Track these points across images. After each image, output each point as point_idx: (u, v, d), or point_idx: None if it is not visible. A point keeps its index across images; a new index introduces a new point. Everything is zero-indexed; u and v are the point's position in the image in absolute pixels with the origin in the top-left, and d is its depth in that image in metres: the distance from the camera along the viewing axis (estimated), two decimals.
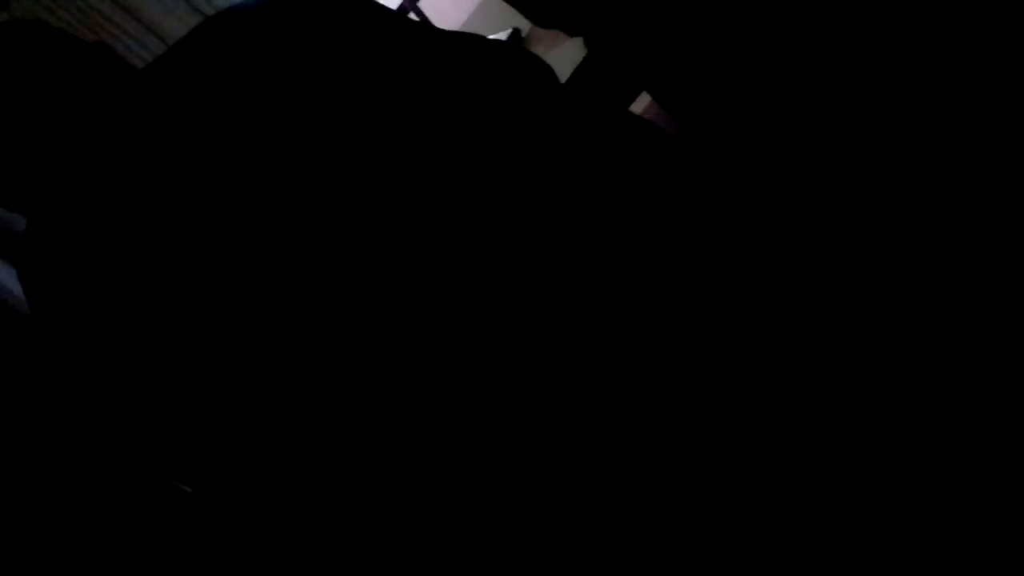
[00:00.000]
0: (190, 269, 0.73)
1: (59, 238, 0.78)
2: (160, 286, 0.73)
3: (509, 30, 1.93)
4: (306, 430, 0.72)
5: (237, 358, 0.72)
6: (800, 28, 0.80)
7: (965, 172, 0.75)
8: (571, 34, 1.02)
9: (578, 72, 1.19)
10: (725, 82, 0.86)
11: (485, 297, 0.71)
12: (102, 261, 0.75)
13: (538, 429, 0.70)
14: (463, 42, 0.84)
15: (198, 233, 0.73)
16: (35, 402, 0.77)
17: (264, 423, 0.72)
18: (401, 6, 2.45)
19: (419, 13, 2.38)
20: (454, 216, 0.73)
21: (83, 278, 0.76)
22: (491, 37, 0.89)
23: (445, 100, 0.77)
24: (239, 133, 0.75)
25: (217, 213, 0.73)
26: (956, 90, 0.75)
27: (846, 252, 0.78)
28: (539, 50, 0.98)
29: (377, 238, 0.72)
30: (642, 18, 0.89)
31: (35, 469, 0.77)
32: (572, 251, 0.73)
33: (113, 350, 0.75)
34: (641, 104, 1.16)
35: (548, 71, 0.88)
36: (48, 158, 0.82)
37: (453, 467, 0.71)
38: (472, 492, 0.71)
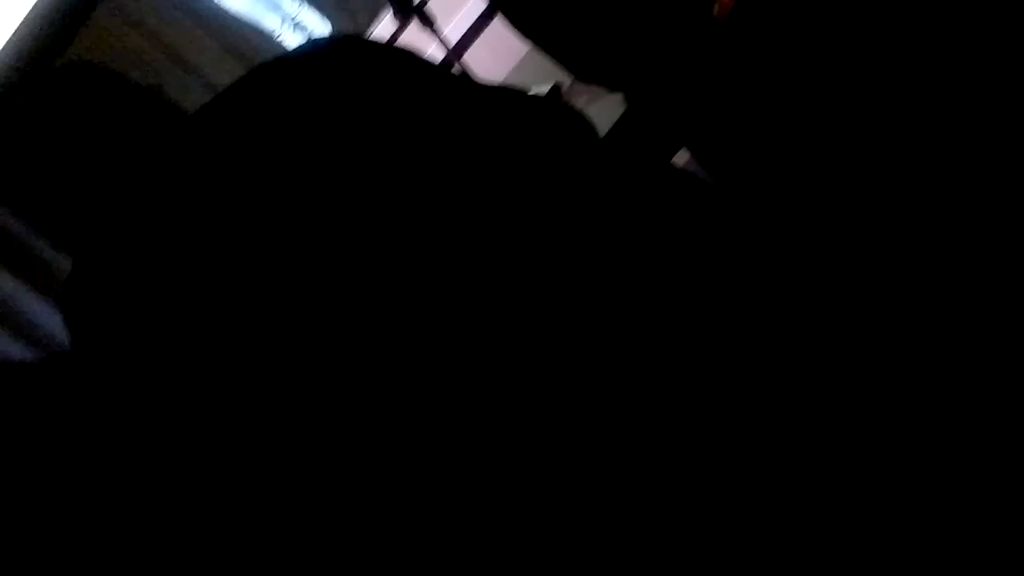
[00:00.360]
0: (232, 322, 0.74)
1: (107, 283, 0.80)
2: (201, 340, 0.74)
3: (550, 84, 1.95)
4: (309, 437, 0.72)
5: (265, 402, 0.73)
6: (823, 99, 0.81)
7: (960, 174, 0.75)
8: (612, 90, 1.03)
9: (617, 127, 1.21)
10: (756, 137, 0.86)
11: (492, 309, 0.72)
12: (147, 308, 0.76)
13: (537, 430, 0.70)
14: (503, 97, 0.86)
15: (241, 285, 0.74)
16: (66, 440, 0.78)
17: (267, 431, 0.73)
18: (444, 60, 2.50)
19: (462, 67, 2.42)
20: (482, 263, 0.73)
21: (128, 323, 0.77)
22: (532, 91, 0.90)
23: (484, 155, 0.78)
24: (282, 186, 0.76)
25: (258, 266, 0.74)
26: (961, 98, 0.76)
27: (849, 258, 0.78)
28: (580, 104, 1.00)
29: (409, 295, 0.73)
30: (680, 77, 0.90)
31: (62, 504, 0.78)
32: (597, 282, 0.74)
33: (152, 395, 0.76)
34: (681, 160, 1.16)
35: (588, 126, 0.89)
36: (103, 198, 0.84)
37: (452, 468, 0.71)
38: (471, 492, 0.70)
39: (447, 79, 0.84)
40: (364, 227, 0.74)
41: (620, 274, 0.75)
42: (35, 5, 2.32)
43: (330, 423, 0.72)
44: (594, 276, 0.74)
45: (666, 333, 0.73)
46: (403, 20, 2.32)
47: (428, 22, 2.32)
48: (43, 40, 2.31)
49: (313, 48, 0.90)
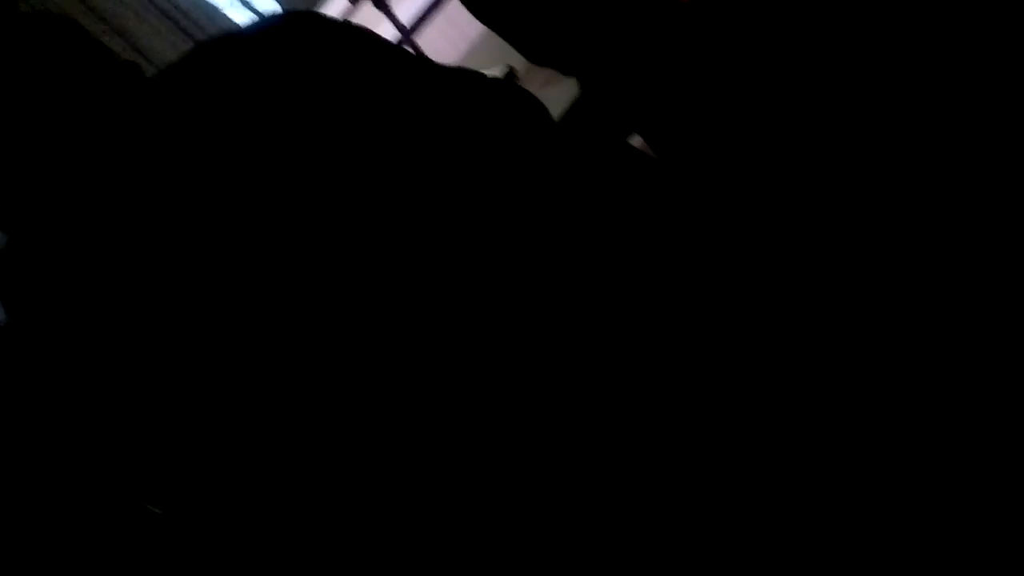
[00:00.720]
0: (174, 286, 0.73)
1: (41, 258, 0.78)
2: (145, 301, 0.73)
3: (504, 68, 1.95)
4: (304, 433, 0.71)
5: (231, 366, 0.72)
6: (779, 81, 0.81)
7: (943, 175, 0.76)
8: (566, 74, 1.03)
9: (571, 111, 1.20)
10: (714, 120, 0.87)
11: (482, 304, 0.71)
12: (84, 277, 0.75)
13: (536, 430, 0.70)
14: (459, 77, 0.85)
15: (182, 251, 0.73)
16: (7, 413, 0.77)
17: (260, 427, 0.72)
18: (397, 41, 2.47)
19: (414, 47, 2.40)
20: (446, 240, 0.73)
21: (67, 293, 0.75)
22: (486, 73, 0.90)
23: (440, 132, 0.77)
24: (227, 158, 0.75)
25: (202, 230, 0.73)
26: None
27: (841, 254, 0.78)
28: (533, 88, 0.99)
29: (365, 266, 0.72)
30: (636, 60, 0.90)
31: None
32: (563, 264, 0.73)
33: (98, 363, 0.74)
34: (636, 143, 1.16)
35: (542, 109, 0.88)
36: (41, 165, 0.81)
37: (451, 468, 0.70)
38: (471, 493, 0.70)
39: (403, 57, 0.83)
40: (317, 206, 0.73)
41: (576, 257, 0.75)
42: None
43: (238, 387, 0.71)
44: (549, 258, 0.74)
45: (629, 317, 0.73)
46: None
47: (381, 3, 2.30)
48: None
49: (266, 24, 0.88)
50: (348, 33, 0.83)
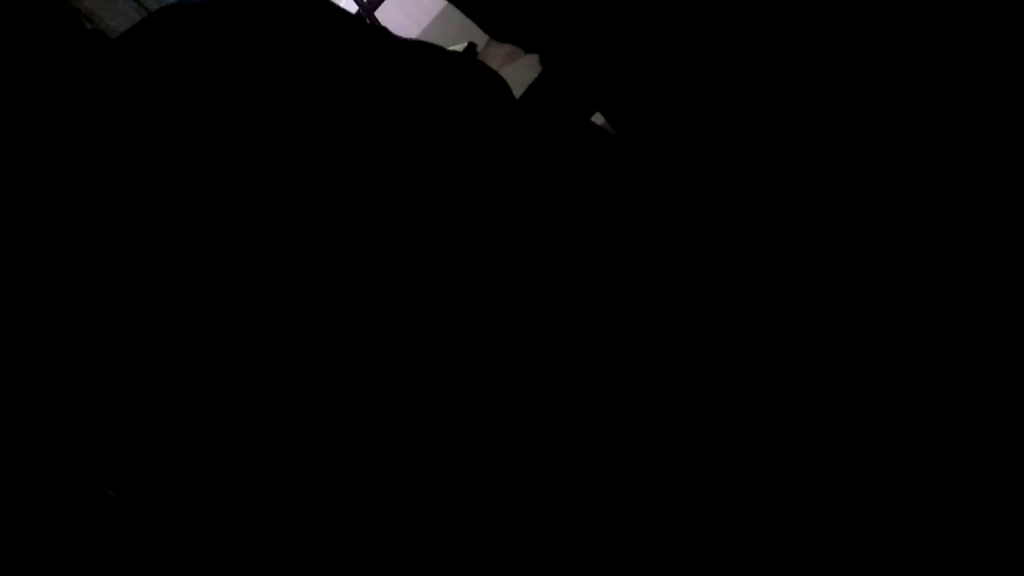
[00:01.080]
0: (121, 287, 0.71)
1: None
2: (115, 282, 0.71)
3: (464, 43, 1.93)
4: (301, 431, 0.71)
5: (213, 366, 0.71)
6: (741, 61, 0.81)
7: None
8: (527, 50, 1.02)
9: (533, 88, 1.20)
10: (676, 99, 0.87)
11: (438, 287, 0.71)
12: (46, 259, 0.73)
13: (535, 429, 0.70)
14: (418, 50, 0.84)
15: (126, 242, 0.71)
16: None
17: (257, 424, 0.71)
18: (357, 13, 2.44)
19: (375, 22, 2.36)
20: (409, 218, 0.72)
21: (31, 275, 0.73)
22: (448, 47, 0.89)
23: (401, 104, 0.76)
24: (177, 133, 0.73)
25: (146, 222, 0.71)
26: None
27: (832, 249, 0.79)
28: (494, 64, 0.99)
29: (322, 241, 0.71)
30: (596, 35, 0.90)
31: None
32: (530, 251, 0.73)
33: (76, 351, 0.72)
34: (598, 122, 1.16)
35: (503, 85, 0.88)
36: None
37: (450, 468, 0.70)
38: (470, 493, 0.70)
39: (361, 29, 0.82)
40: (273, 180, 0.72)
41: (536, 234, 0.74)
42: None
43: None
44: (509, 234, 0.74)
45: (593, 298, 0.73)
46: None
47: None
48: None
49: None
50: (305, 2, 0.81)
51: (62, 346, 0.72)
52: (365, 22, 0.85)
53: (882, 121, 0.79)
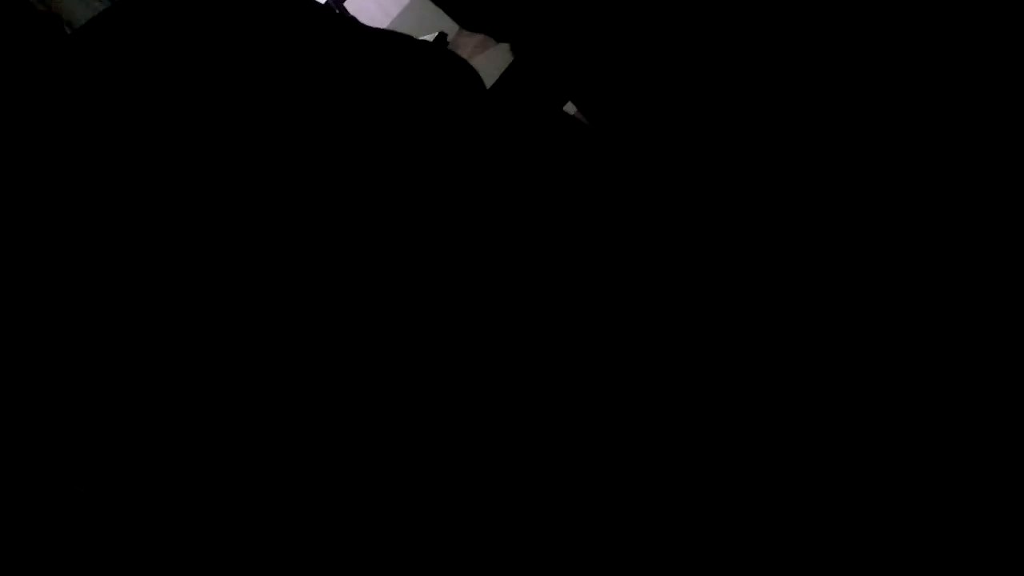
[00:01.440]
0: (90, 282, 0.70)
1: None
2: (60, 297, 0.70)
3: (435, 33, 1.92)
4: (299, 431, 0.70)
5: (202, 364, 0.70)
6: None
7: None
8: (498, 39, 1.01)
9: (504, 78, 1.19)
10: (649, 88, 0.86)
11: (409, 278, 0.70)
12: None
13: (534, 429, 0.70)
14: (388, 40, 0.83)
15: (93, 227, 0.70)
16: None
17: (255, 426, 0.70)
18: (325, 4, 2.42)
19: (344, 12, 2.35)
20: (372, 211, 0.72)
21: None
22: (418, 37, 0.88)
23: (370, 95, 0.76)
24: (140, 125, 0.72)
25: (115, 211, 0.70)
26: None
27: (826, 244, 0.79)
28: (464, 54, 0.98)
29: (288, 245, 0.71)
30: (567, 24, 0.89)
31: None
32: (496, 235, 0.73)
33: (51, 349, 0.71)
34: (570, 111, 1.16)
35: (474, 75, 0.87)
36: None
37: (449, 468, 0.70)
38: (469, 493, 0.70)
39: (330, 18, 0.81)
40: (242, 172, 0.71)
41: (509, 226, 0.74)
42: None
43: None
44: (481, 225, 0.73)
45: (564, 289, 0.73)
46: None
47: None
48: None
49: None
50: None
51: (35, 341, 0.71)
52: (333, 12, 0.84)
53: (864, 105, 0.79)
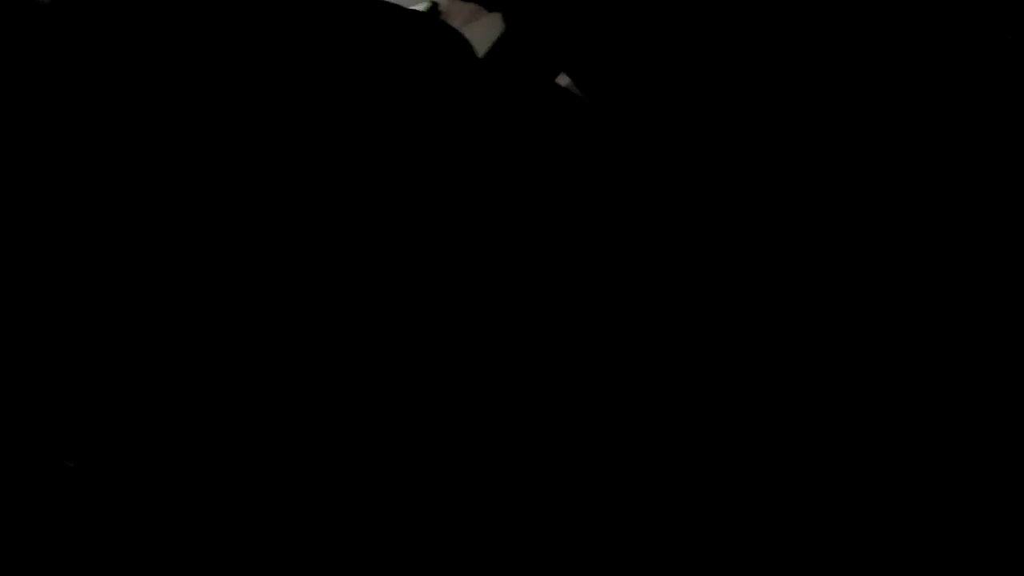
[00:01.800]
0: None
1: None
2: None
3: (428, 3, 1.89)
4: (299, 430, 0.70)
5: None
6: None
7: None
8: (489, 9, 1.00)
9: (496, 48, 1.18)
10: (640, 66, 0.86)
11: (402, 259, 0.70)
12: None
13: (533, 428, 0.69)
14: (380, 10, 0.82)
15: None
16: None
17: (256, 425, 0.70)
18: None
19: None
20: (372, 193, 0.71)
21: None
22: (410, 7, 0.87)
23: (363, 68, 0.75)
24: (129, 104, 0.71)
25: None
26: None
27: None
28: (456, 24, 0.97)
29: (291, 215, 0.70)
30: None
31: None
32: (490, 213, 0.72)
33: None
34: (563, 82, 1.15)
35: (466, 45, 0.86)
36: None
37: (449, 468, 0.70)
38: (469, 493, 0.70)
39: None
40: (227, 145, 0.71)
41: (502, 204, 0.74)
42: None
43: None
44: (475, 201, 0.73)
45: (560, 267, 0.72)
46: None
47: None
48: None
49: None
50: None
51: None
52: None
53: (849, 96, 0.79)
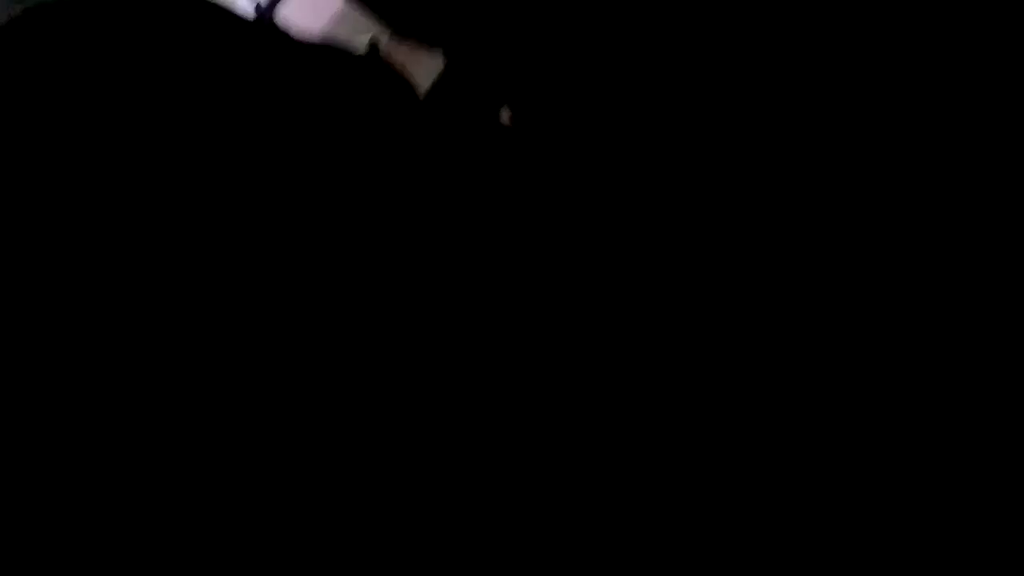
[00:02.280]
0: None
1: None
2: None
3: (367, 38, 1.90)
4: (299, 432, 0.69)
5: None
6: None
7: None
8: (431, 45, 1.01)
9: (437, 86, 1.19)
10: (582, 100, 0.87)
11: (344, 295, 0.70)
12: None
13: (533, 428, 0.69)
14: (319, 53, 0.82)
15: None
16: None
17: (253, 427, 0.69)
18: (257, 10, 2.38)
19: (272, 22, 2.31)
20: (303, 234, 0.71)
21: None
22: (350, 47, 0.87)
23: (301, 114, 0.75)
24: (60, 153, 0.70)
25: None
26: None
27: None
28: (397, 61, 0.98)
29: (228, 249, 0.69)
30: (504, 31, 0.89)
31: None
32: (437, 253, 0.73)
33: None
34: (504, 118, 1.16)
35: (406, 85, 0.87)
36: None
37: (449, 468, 0.69)
38: (469, 492, 0.69)
39: (259, 31, 0.80)
40: (169, 197, 0.70)
41: (450, 241, 0.74)
42: None
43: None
44: (423, 243, 0.73)
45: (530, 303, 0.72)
46: None
47: None
48: None
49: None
50: (196, 4, 0.78)
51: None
52: (261, 25, 0.83)
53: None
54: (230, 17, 0.80)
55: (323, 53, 0.83)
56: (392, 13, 0.98)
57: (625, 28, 0.84)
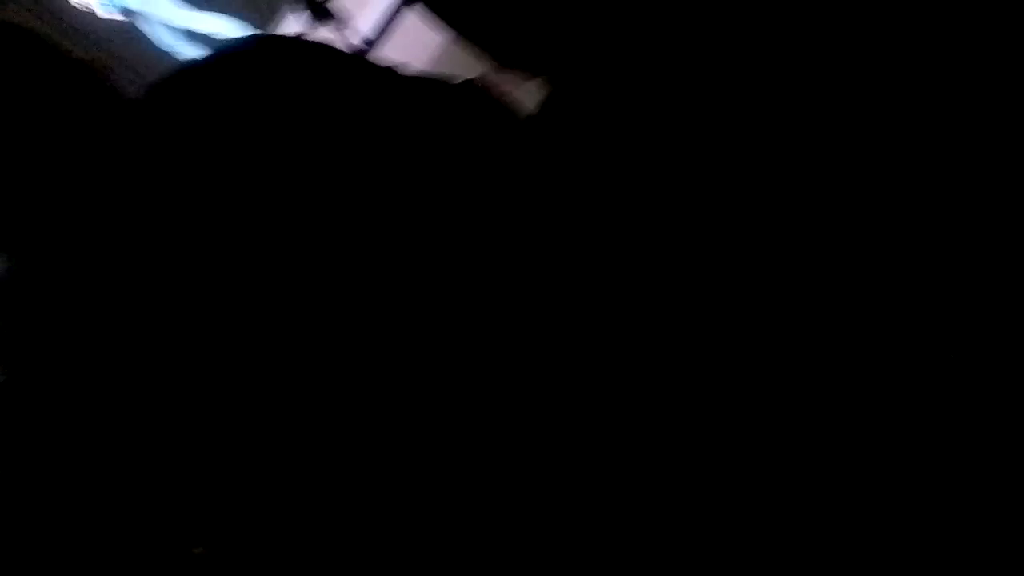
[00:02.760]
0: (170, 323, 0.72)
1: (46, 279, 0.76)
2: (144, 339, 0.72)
3: (472, 72, 1.94)
4: (304, 433, 0.71)
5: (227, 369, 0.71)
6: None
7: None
8: (533, 75, 1.02)
9: (540, 112, 1.20)
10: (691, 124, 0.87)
11: (469, 303, 0.71)
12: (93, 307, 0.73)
13: (534, 428, 0.69)
14: (422, 85, 0.85)
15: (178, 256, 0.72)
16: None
17: (258, 428, 0.71)
18: (357, 53, 2.46)
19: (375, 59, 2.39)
20: (423, 244, 0.73)
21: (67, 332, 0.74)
22: (446, 77, 0.89)
23: (407, 138, 0.77)
24: (220, 187, 0.74)
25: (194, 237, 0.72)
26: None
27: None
28: (501, 92, 0.99)
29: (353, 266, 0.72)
30: (608, 61, 0.90)
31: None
32: (547, 262, 0.73)
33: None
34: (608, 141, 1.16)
35: (508, 111, 0.88)
36: (34, 184, 0.79)
37: (450, 467, 0.70)
38: (469, 493, 0.70)
39: (371, 71, 0.83)
40: (304, 223, 0.73)
41: (556, 260, 0.74)
42: None
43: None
44: (530, 263, 0.74)
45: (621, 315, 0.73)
46: (318, 20, 2.28)
47: (339, 19, 2.30)
48: None
49: (238, 48, 0.86)
50: (315, 52, 0.82)
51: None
52: (369, 63, 0.86)
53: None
54: (350, 60, 0.84)
55: (425, 85, 0.85)
56: (496, 44, 1.00)
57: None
